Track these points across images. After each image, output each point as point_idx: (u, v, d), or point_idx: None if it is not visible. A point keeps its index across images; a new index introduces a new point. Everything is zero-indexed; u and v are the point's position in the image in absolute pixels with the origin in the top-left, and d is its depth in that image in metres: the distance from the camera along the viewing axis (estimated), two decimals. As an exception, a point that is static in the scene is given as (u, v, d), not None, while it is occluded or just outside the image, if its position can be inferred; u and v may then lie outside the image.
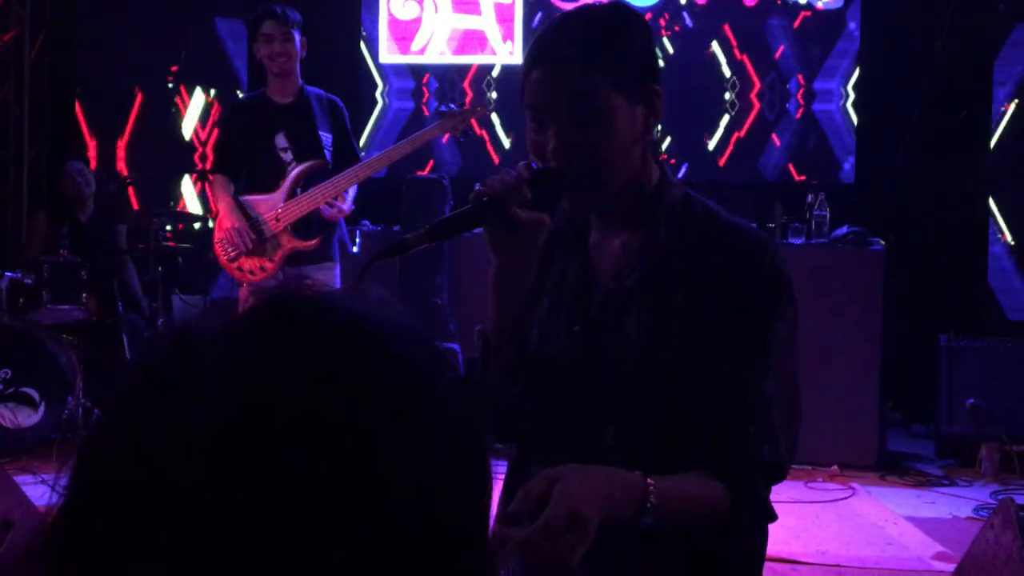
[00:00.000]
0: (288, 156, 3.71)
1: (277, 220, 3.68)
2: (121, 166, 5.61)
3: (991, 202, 5.37)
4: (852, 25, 5.49)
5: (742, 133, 5.58)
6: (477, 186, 1.23)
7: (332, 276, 3.81)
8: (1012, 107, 5.36)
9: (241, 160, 3.79)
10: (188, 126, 5.76)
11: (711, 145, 5.60)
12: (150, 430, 0.44)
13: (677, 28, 5.58)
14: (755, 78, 5.55)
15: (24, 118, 5.58)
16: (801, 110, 5.55)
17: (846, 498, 3.89)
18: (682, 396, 1.22)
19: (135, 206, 5.37)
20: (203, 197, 5.67)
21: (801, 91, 5.54)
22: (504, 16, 5.63)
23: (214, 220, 3.77)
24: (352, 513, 0.44)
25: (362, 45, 5.74)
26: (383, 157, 3.71)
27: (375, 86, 5.74)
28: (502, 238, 1.23)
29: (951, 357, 4.46)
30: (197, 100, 5.75)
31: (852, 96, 5.53)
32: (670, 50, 5.58)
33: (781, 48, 5.53)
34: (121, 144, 5.64)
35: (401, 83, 5.74)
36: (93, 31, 5.66)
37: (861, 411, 4.35)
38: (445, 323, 4.66)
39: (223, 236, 3.63)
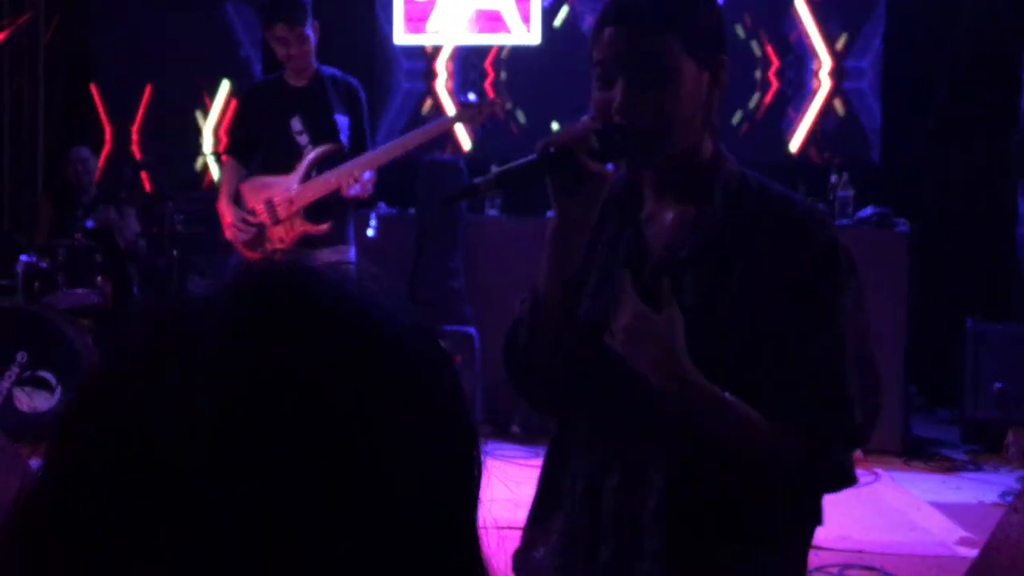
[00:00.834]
0: (304, 139, 3.69)
1: (290, 203, 3.66)
2: (134, 150, 5.61)
3: (1018, 184, 5.26)
4: (881, 6, 5.37)
5: (761, 112, 5.49)
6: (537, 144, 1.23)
7: (346, 260, 3.78)
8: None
9: (254, 143, 3.77)
10: (207, 111, 5.74)
11: (734, 122, 5.52)
12: (149, 416, 0.42)
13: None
14: (774, 57, 5.46)
15: (39, 103, 5.58)
16: (829, 89, 5.45)
17: (870, 483, 3.83)
18: (735, 370, 1.20)
19: (147, 189, 5.36)
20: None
21: (829, 69, 5.44)
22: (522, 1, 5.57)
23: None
24: (357, 506, 0.43)
25: (377, 26, 5.69)
26: (398, 145, 3.67)
27: (391, 68, 5.69)
28: (568, 189, 1.22)
29: (977, 341, 4.37)
30: (223, 88, 5.72)
31: (877, 75, 5.42)
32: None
33: (805, 25, 5.43)
34: (134, 129, 5.63)
35: (413, 64, 5.69)
36: (107, 15, 5.65)
37: (885, 396, 4.26)
38: (461, 307, 4.62)
39: (230, 231, 3.65)
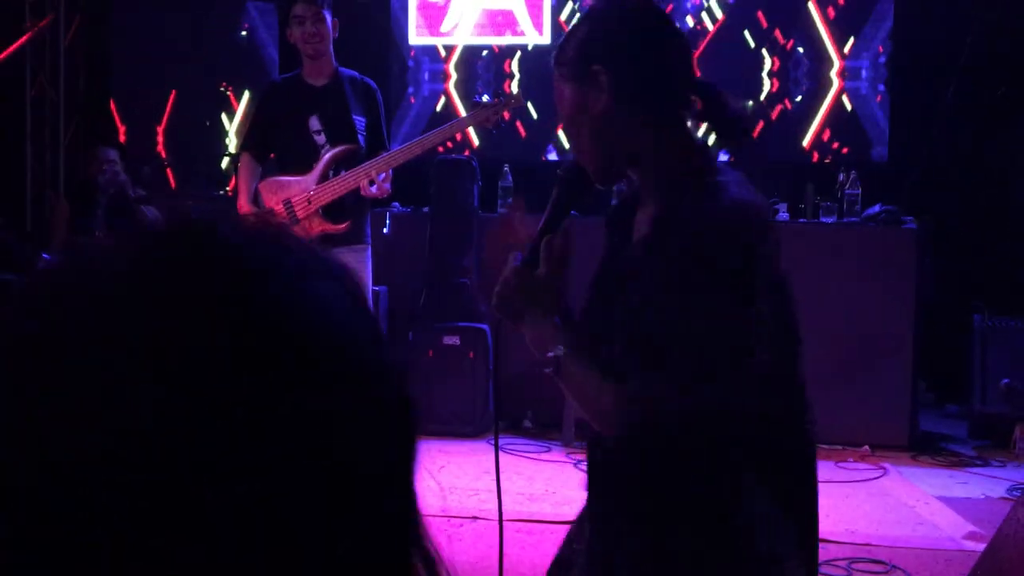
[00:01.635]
0: (321, 139, 3.74)
1: (308, 203, 3.72)
2: (160, 151, 5.68)
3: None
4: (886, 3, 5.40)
5: (773, 112, 5.53)
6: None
7: (365, 258, 3.85)
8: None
9: (271, 142, 3.83)
10: (231, 112, 5.81)
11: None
12: (136, 411, 0.40)
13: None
14: (779, 56, 5.49)
15: (60, 103, 5.66)
16: (838, 88, 5.48)
17: (877, 478, 3.88)
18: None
19: (173, 186, 5.46)
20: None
21: (837, 69, 5.47)
22: (533, 0, 5.62)
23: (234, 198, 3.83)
24: (356, 505, 0.43)
25: (391, 27, 5.75)
26: (415, 145, 3.73)
27: (406, 68, 5.75)
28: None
29: (985, 337, 4.41)
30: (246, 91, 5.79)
31: (885, 74, 5.45)
32: (709, 25, 5.53)
33: (812, 23, 5.46)
34: (160, 130, 5.70)
35: (433, 65, 5.75)
36: (128, 17, 5.72)
37: (893, 391, 4.33)
38: (473, 304, 4.69)
39: None
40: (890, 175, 5.24)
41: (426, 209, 4.88)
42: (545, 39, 5.60)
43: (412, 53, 5.73)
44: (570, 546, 1.49)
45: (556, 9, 5.59)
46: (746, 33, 5.51)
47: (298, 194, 3.73)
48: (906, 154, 5.34)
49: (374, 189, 3.62)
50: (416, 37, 5.71)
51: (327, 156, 3.72)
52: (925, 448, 4.32)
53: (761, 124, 5.50)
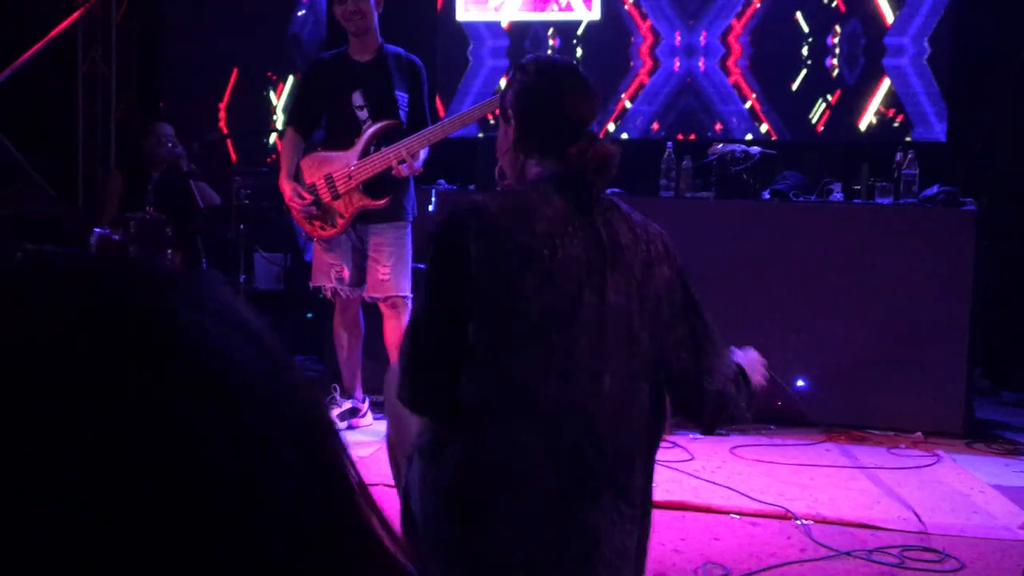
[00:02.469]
0: (364, 114, 3.75)
1: (349, 178, 3.74)
2: (222, 127, 5.73)
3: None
4: None
5: (835, 98, 5.40)
6: None
7: (404, 235, 3.84)
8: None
9: (316, 116, 3.84)
10: (278, 91, 5.83)
11: (815, 114, 5.44)
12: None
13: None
14: (826, 34, 5.36)
15: (112, 78, 5.71)
16: (888, 66, 5.34)
17: (930, 465, 3.79)
18: None
19: (234, 159, 5.52)
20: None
21: (890, 48, 5.33)
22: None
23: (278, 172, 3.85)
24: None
25: (444, 4, 5.71)
26: (456, 120, 3.71)
27: (466, 44, 5.71)
28: None
29: (1046, 323, 4.28)
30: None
31: (929, 50, 5.28)
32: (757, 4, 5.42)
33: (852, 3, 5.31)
34: (222, 106, 5.74)
35: (495, 41, 5.70)
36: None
37: (948, 377, 4.22)
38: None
39: (289, 202, 3.77)
40: (948, 155, 5.10)
41: (472, 187, 4.86)
42: (595, 15, 5.53)
43: (473, 30, 5.70)
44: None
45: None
46: (798, 13, 5.38)
47: (339, 169, 3.75)
48: (965, 134, 5.20)
49: (405, 168, 3.61)
50: (463, 13, 5.67)
51: (368, 132, 3.73)
52: (980, 435, 4.21)
53: (821, 104, 5.39)
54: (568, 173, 1.76)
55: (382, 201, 3.72)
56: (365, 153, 3.74)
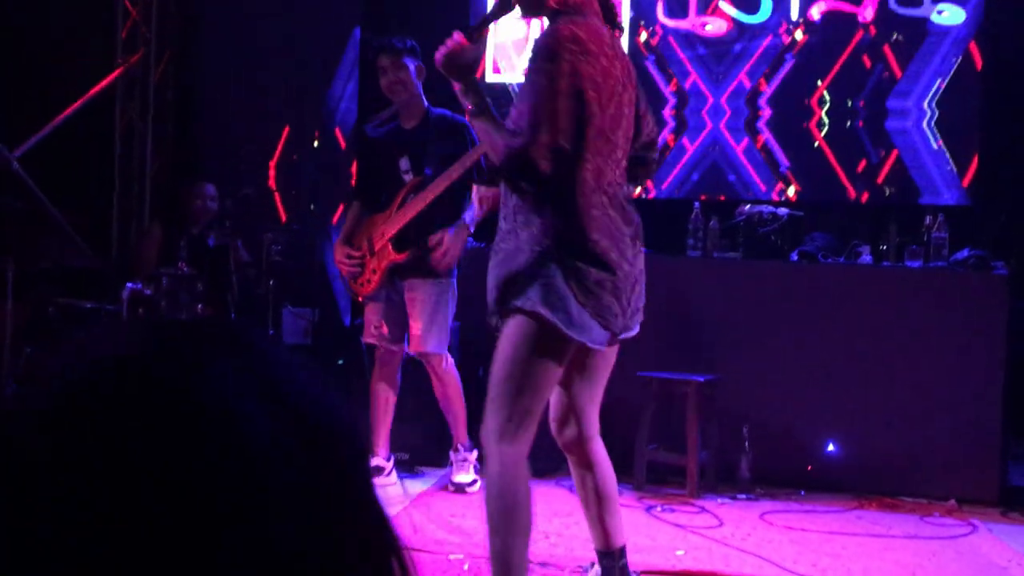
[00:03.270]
0: (409, 178, 3.89)
1: (382, 235, 3.91)
2: (271, 185, 5.83)
3: None
4: (949, 41, 5.25)
5: (846, 154, 5.41)
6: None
7: (440, 291, 3.87)
8: None
9: (375, 187, 4.02)
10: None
11: (823, 163, 5.45)
12: None
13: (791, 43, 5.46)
14: (849, 97, 5.38)
15: (148, 135, 5.83)
16: (911, 130, 5.35)
17: (966, 535, 3.71)
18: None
19: (283, 217, 5.62)
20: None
21: (912, 114, 5.34)
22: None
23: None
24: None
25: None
26: (458, 165, 3.77)
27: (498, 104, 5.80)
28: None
29: (1081, 389, 4.21)
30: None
31: (935, 114, 5.28)
32: (788, 62, 5.47)
33: (867, 66, 5.34)
34: (272, 164, 5.85)
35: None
36: (218, 53, 5.89)
37: (982, 443, 4.15)
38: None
39: (339, 265, 4.00)
40: (973, 217, 5.08)
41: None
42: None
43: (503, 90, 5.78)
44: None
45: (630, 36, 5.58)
46: (821, 78, 5.41)
47: (378, 228, 3.93)
48: (989, 197, 5.18)
49: (435, 257, 3.78)
50: (492, 75, 5.76)
51: (402, 191, 3.85)
52: (1016, 504, 4.12)
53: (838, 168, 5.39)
54: (605, 2, 2.48)
55: (402, 255, 3.83)
56: (397, 210, 3.87)
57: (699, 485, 4.07)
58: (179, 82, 5.95)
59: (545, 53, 2.27)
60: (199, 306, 4.55)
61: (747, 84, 5.51)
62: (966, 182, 5.25)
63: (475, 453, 4.01)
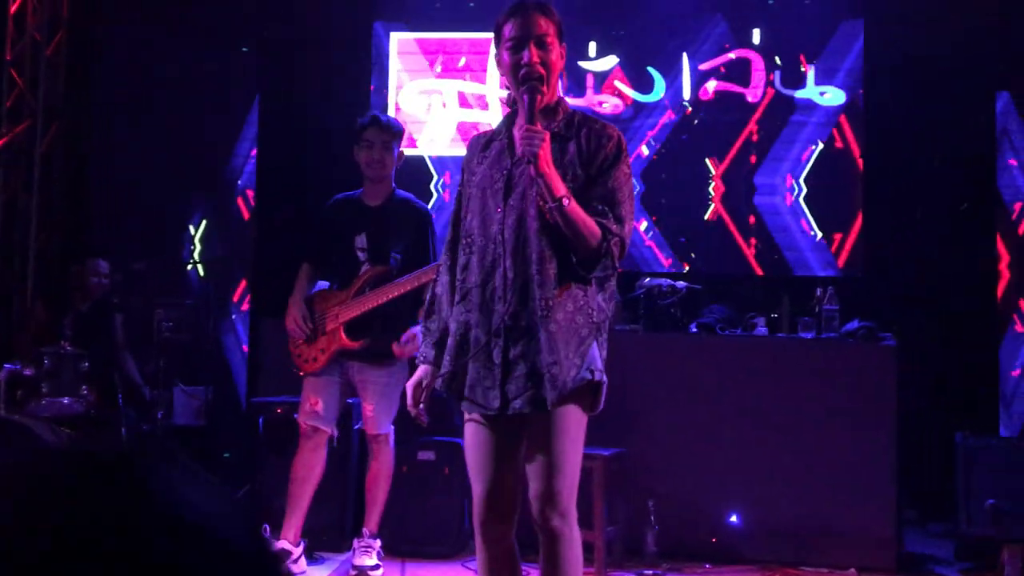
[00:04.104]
0: (363, 256, 3.85)
1: (336, 317, 3.84)
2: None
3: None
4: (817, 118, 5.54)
5: (735, 226, 5.58)
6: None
7: (390, 375, 3.83)
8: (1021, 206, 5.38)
9: (326, 253, 3.95)
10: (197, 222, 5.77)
11: (716, 236, 5.60)
12: None
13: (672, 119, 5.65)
14: (720, 175, 5.59)
15: (32, 208, 5.60)
16: (795, 205, 5.56)
17: (866, 603, 3.75)
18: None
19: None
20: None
21: (794, 191, 5.56)
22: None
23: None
24: None
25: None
26: (430, 270, 3.70)
27: (430, 178, 5.80)
28: None
29: (968, 456, 4.34)
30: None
31: (804, 189, 5.54)
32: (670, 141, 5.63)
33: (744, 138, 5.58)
34: (165, 237, 5.67)
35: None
36: (112, 122, 5.74)
37: (878, 511, 4.24)
38: (452, 417, 4.57)
39: (289, 323, 3.87)
40: (865, 289, 5.28)
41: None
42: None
43: (438, 164, 5.79)
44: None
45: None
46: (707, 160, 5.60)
47: (332, 308, 3.86)
48: (877, 270, 5.41)
49: (400, 347, 3.73)
50: (409, 149, 5.76)
51: (364, 275, 3.85)
52: (912, 570, 4.21)
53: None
54: None
55: (356, 343, 3.76)
56: (358, 294, 3.80)
57: (606, 562, 4.02)
58: (73, 151, 5.75)
59: (624, 152, 2.46)
60: (83, 388, 4.33)
61: (643, 158, 5.66)
62: (841, 262, 5.48)
63: (379, 541, 3.91)
